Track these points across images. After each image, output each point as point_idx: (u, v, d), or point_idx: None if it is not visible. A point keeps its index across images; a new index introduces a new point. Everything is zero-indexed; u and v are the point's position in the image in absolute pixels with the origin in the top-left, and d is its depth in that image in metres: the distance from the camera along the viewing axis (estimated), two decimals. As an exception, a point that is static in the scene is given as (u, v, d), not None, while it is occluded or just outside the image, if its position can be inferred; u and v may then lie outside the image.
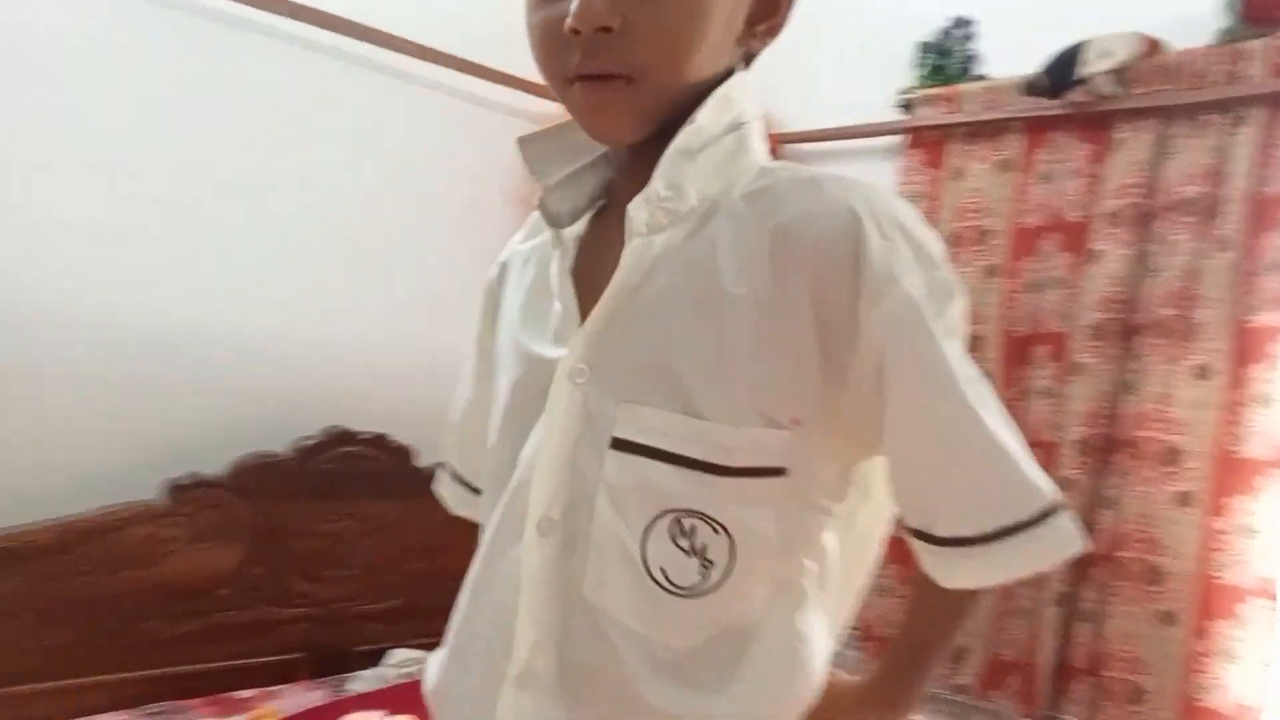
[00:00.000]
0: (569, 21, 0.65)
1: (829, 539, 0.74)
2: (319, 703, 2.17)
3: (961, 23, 2.48)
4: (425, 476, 2.55)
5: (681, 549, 0.68)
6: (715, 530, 0.68)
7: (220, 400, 2.31)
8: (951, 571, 0.71)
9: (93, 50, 2.08)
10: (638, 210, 0.69)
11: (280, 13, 2.26)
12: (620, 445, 0.69)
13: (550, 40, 0.69)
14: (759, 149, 0.75)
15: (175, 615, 2.16)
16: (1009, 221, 2.43)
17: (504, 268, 0.89)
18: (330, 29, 2.33)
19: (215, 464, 2.24)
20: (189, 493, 2.18)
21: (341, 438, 2.43)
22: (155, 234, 2.19)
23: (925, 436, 0.68)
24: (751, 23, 0.74)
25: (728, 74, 0.73)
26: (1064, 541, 0.69)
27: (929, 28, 2.53)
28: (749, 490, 0.68)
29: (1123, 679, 2.19)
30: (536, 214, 0.82)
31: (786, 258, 0.67)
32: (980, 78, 2.47)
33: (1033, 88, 2.27)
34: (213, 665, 2.21)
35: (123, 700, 2.06)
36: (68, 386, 2.09)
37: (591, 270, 0.75)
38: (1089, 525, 2.22)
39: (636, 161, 0.73)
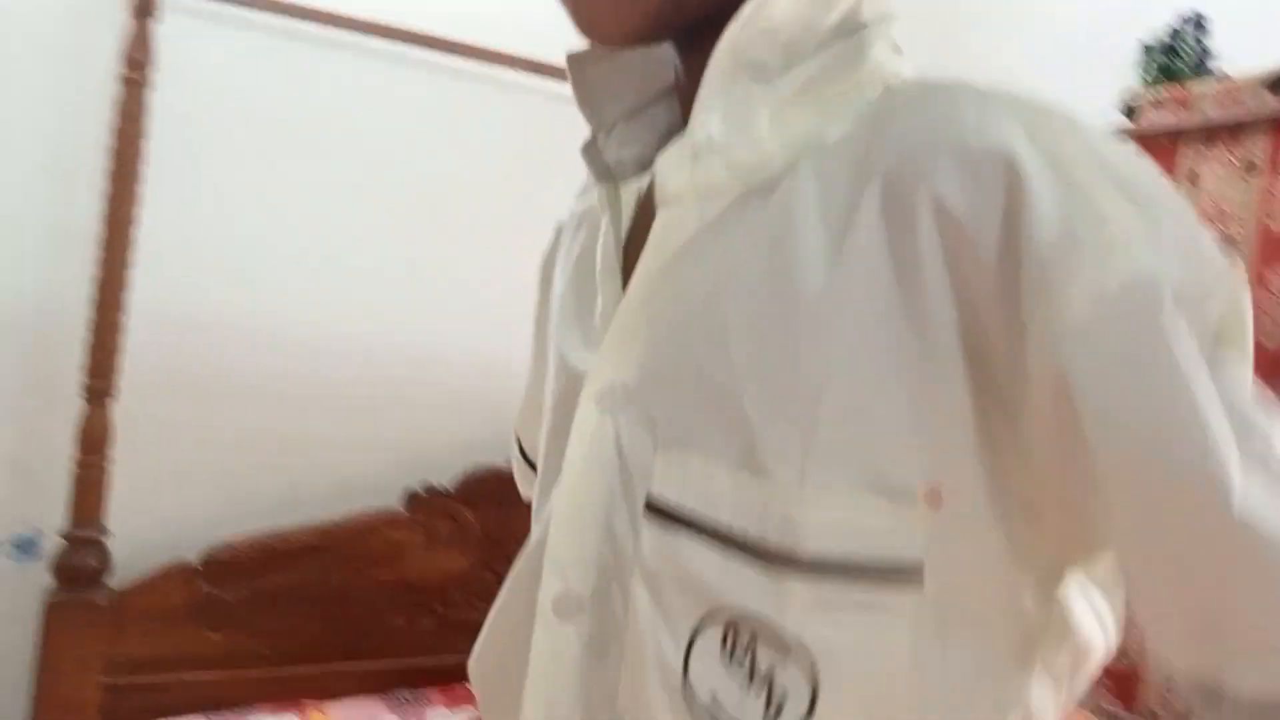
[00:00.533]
0: None
1: (1038, 697, 0.44)
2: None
3: (1194, 19, 2.26)
4: None
5: (736, 670, 0.43)
6: (784, 652, 0.41)
7: (452, 416, 2.55)
8: None
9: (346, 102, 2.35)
10: (672, 167, 0.47)
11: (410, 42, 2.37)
12: (656, 510, 0.47)
13: None
14: (888, 63, 0.48)
15: (414, 612, 2.42)
16: (1256, 227, 2.21)
17: (559, 232, 0.71)
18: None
19: (447, 473, 2.48)
20: (425, 502, 2.43)
21: (559, 452, 2.60)
22: (401, 272, 2.45)
23: (1180, 531, 0.38)
24: None
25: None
26: None
27: (1151, 27, 2.32)
28: (847, 597, 0.41)
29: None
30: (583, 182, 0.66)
31: (902, 220, 0.41)
32: (1215, 76, 2.24)
33: (1278, 84, 2.05)
34: (447, 659, 2.45)
35: (369, 686, 2.34)
36: (323, 402, 2.40)
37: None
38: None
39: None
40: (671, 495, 0.45)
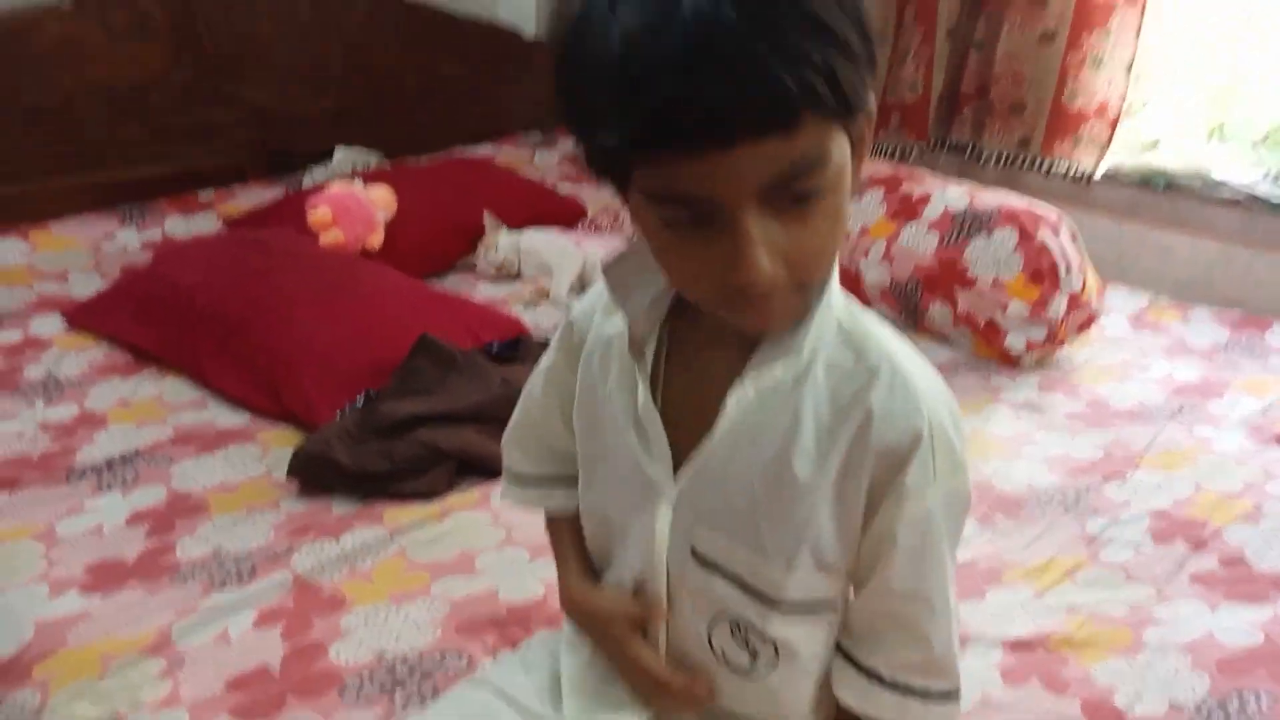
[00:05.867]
0: (737, 283, 0.59)
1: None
2: (279, 198, 2.19)
3: None
4: None
5: (737, 644, 0.77)
6: (764, 640, 0.75)
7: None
8: (852, 692, 0.76)
9: None
10: (736, 396, 0.70)
11: None
12: (695, 556, 0.75)
13: (699, 280, 0.63)
14: (838, 301, 0.70)
15: (116, 120, 2.09)
16: None
17: (583, 335, 0.81)
18: None
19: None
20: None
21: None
22: None
23: (893, 609, 0.73)
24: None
25: None
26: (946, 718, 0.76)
27: None
28: (800, 617, 0.75)
29: (1005, 96, 2.27)
30: (606, 291, 0.76)
31: (859, 448, 0.68)
32: None
33: None
34: (166, 167, 2.18)
35: (89, 203, 2.06)
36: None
37: (675, 388, 0.75)
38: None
39: None
40: (706, 551, 0.74)
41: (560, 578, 0.87)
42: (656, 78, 0.53)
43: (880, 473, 0.69)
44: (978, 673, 1.07)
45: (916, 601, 0.72)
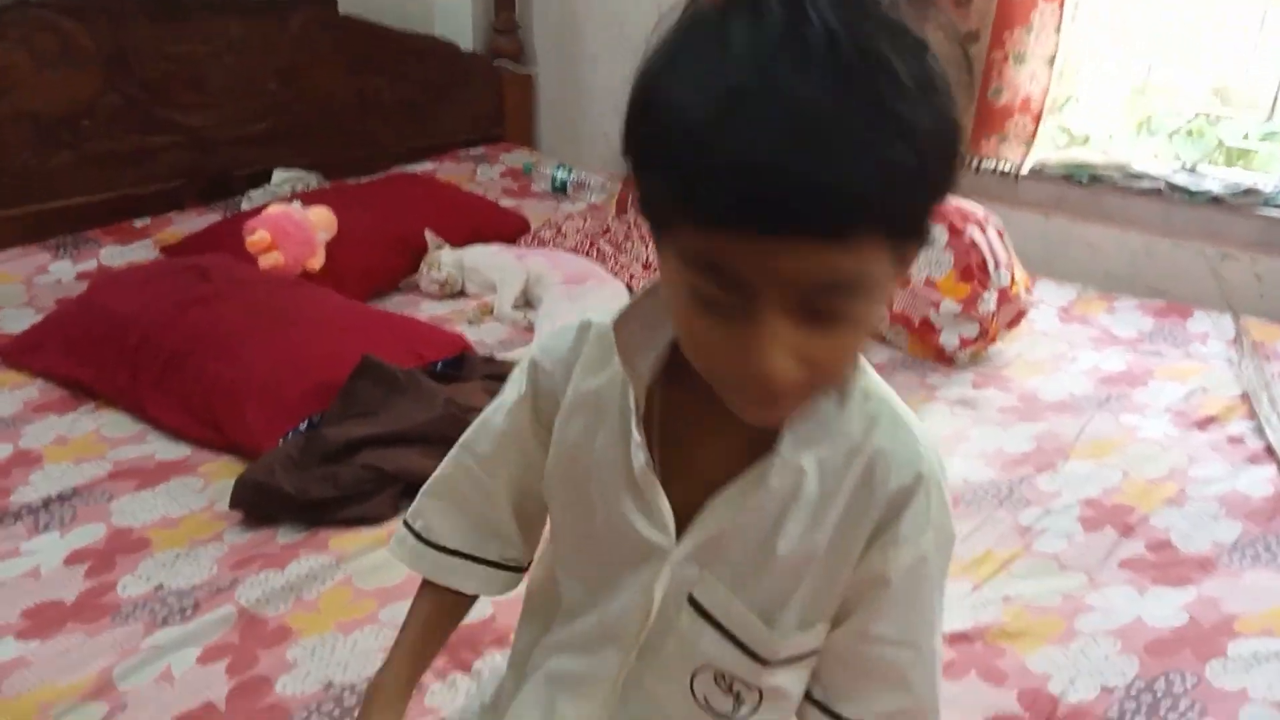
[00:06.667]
0: (754, 372, 0.57)
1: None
2: (217, 223, 2.15)
3: None
4: None
5: (721, 689, 0.74)
6: (750, 688, 0.73)
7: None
8: None
9: None
10: (776, 476, 0.67)
11: None
12: (693, 604, 0.72)
13: (713, 353, 0.60)
14: (853, 406, 0.68)
15: (44, 147, 2.04)
16: None
17: (553, 381, 0.75)
18: None
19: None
20: (17, 14, 1.95)
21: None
22: None
23: (878, 653, 0.70)
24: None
25: None
26: None
27: None
28: (786, 669, 0.73)
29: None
30: (590, 340, 0.74)
31: (863, 494, 0.67)
32: None
33: None
34: (97, 196, 2.14)
35: (21, 236, 2.01)
36: None
37: (668, 450, 0.70)
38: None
39: None
40: (706, 603, 0.72)
41: (388, 663, 0.81)
42: (741, 147, 0.50)
43: (883, 516, 0.67)
44: None
45: (903, 647, 0.70)
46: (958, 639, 1.14)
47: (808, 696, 0.75)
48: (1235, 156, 2.25)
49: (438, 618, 0.83)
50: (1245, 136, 2.24)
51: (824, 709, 0.74)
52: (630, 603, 0.74)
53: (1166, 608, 1.20)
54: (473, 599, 0.85)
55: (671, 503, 0.70)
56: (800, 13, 0.51)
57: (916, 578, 0.68)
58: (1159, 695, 1.06)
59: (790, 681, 0.74)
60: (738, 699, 0.74)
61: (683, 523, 0.70)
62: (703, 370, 0.62)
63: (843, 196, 0.50)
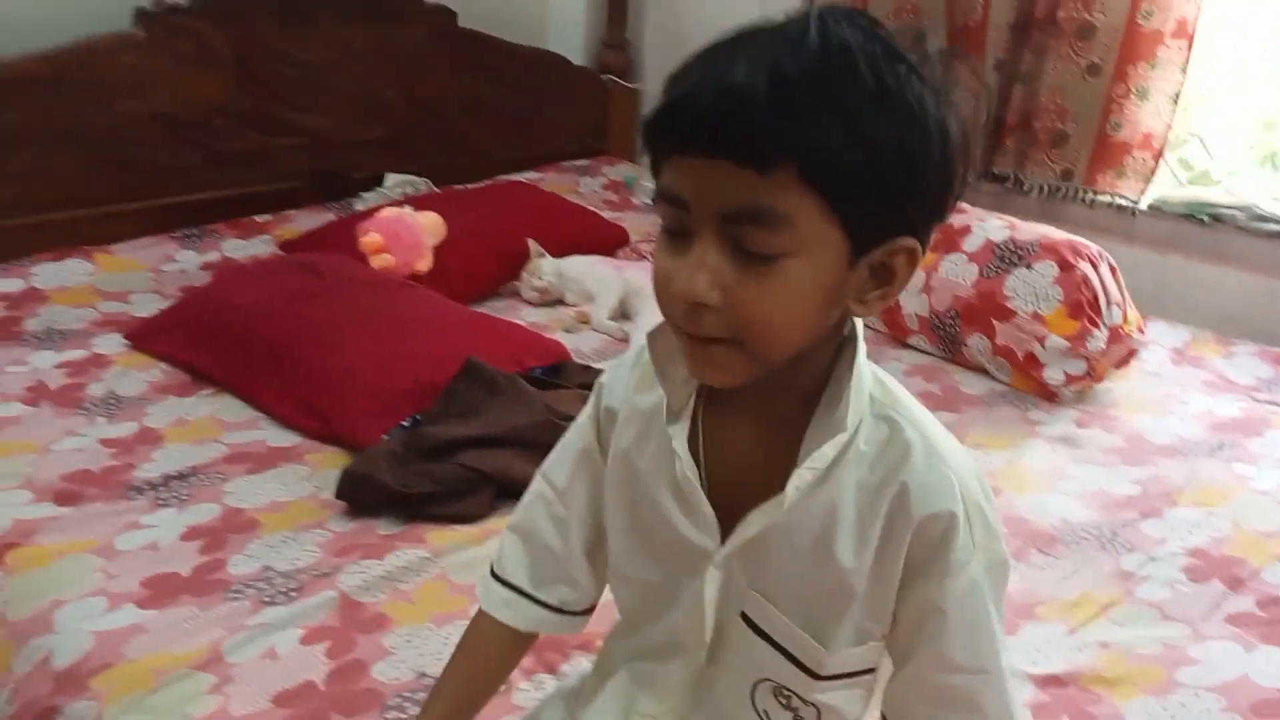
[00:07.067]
0: (678, 291, 0.63)
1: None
2: (331, 222, 2.25)
3: None
4: (413, 2, 2.44)
5: (780, 703, 0.78)
6: (806, 704, 0.76)
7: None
8: None
9: None
10: (796, 479, 0.70)
11: None
12: (745, 620, 0.76)
13: (666, 290, 0.65)
14: (868, 375, 0.71)
15: (177, 146, 2.16)
16: None
17: (613, 405, 0.82)
18: None
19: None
20: (160, 20, 2.07)
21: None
22: None
23: (949, 681, 0.72)
24: (863, 293, 0.67)
25: (839, 324, 0.70)
26: None
27: None
28: (841, 684, 0.76)
29: (1049, 128, 2.26)
30: (641, 363, 0.79)
31: (901, 523, 0.69)
32: None
33: None
34: (223, 193, 2.25)
35: (149, 227, 2.12)
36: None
37: (710, 456, 0.75)
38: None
39: None
40: (756, 619, 0.75)
41: (431, 700, 0.86)
42: (686, 84, 0.61)
43: (918, 545, 0.69)
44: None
45: (971, 674, 0.72)
46: (1050, 682, 1.11)
47: None
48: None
49: (493, 650, 0.87)
50: None
51: None
52: (687, 612, 0.78)
53: (1276, 667, 1.15)
54: (530, 640, 0.89)
55: (718, 513, 0.74)
56: (816, 23, 0.61)
57: (972, 604, 0.71)
58: (1265, 758, 1.01)
59: (845, 701, 0.77)
60: (796, 715, 0.78)
61: (729, 533, 0.74)
62: (663, 316, 0.68)
63: (763, 129, 0.58)
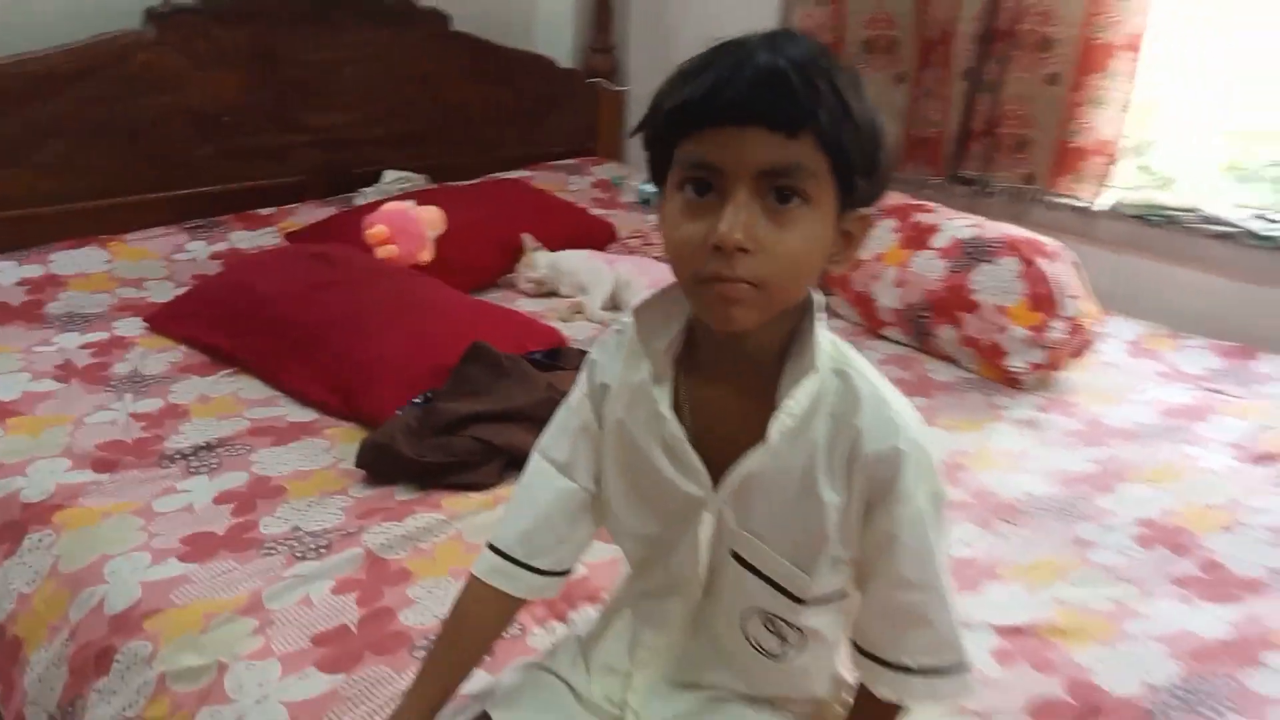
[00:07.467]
0: (714, 238, 0.74)
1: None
2: (333, 215, 2.34)
3: None
4: (384, 6, 2.54)
5: (769, 630, 0.89)
6: (792, 628, 0.88)
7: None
8: (888, 687, 0.87)
9: None
10: (778, 423, 0.81)
11: None
12: (736, 557, 0.87)
13: (692, 249, 0.76)
14: (825, 340, 0.83)
15: (194, 140, 2.25)
16: None
17: (604, 380, 0.92)
18: None
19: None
20: (174, 20, 2.17)
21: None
22: None
23: (903, 599, 0.84)
24: (834, 253, 0.81)
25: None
26: (961, 688, 0.88)
27: None
28: (821, 608, 0.88)
29: (1013, 134, 2.41)
30: (626, 341, 0.89)
31: (856, 461, 0.81)
32: None
33: None
34: (234, 185, 2.35)
35: (163, 217, 2.22)
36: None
37: (693, 415, 0.86)
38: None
39: (725, 335, 0.82)
40: (746, 555, 0.86)
41: (408, 697, 0.93)
42: (714, 73, 0.74)
43: (871, 482, 0.82)
44: (972, 655, 1.19)
45: (922, 589, 0.84)
46: (1011, 632, 1.24)
47: (859, 650, 0.89)
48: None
49: (482, 615, 0.96)
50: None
51: (874, 658, 0.87)
52: (685, 555, 0.89)
53: (1212, 621, 1.28)
54: (516, 607, 0.97)
55: (705, 466, 0.85)
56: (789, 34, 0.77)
57: (918, 529, 0.83)
58: (1197, 694, 1.14)
59: (824, 623, 0.89)
60: (783, 639, 0.89)
61: (718, 483, 0.85)
62: (682, 274, 0.79)
63: (793, 103, 0.72)
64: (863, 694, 0.91)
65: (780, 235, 0.75)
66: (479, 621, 0.96)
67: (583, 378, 0.93)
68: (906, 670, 0.86)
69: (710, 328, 0.82)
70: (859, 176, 0.76)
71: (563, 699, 0.94)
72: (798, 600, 0.86)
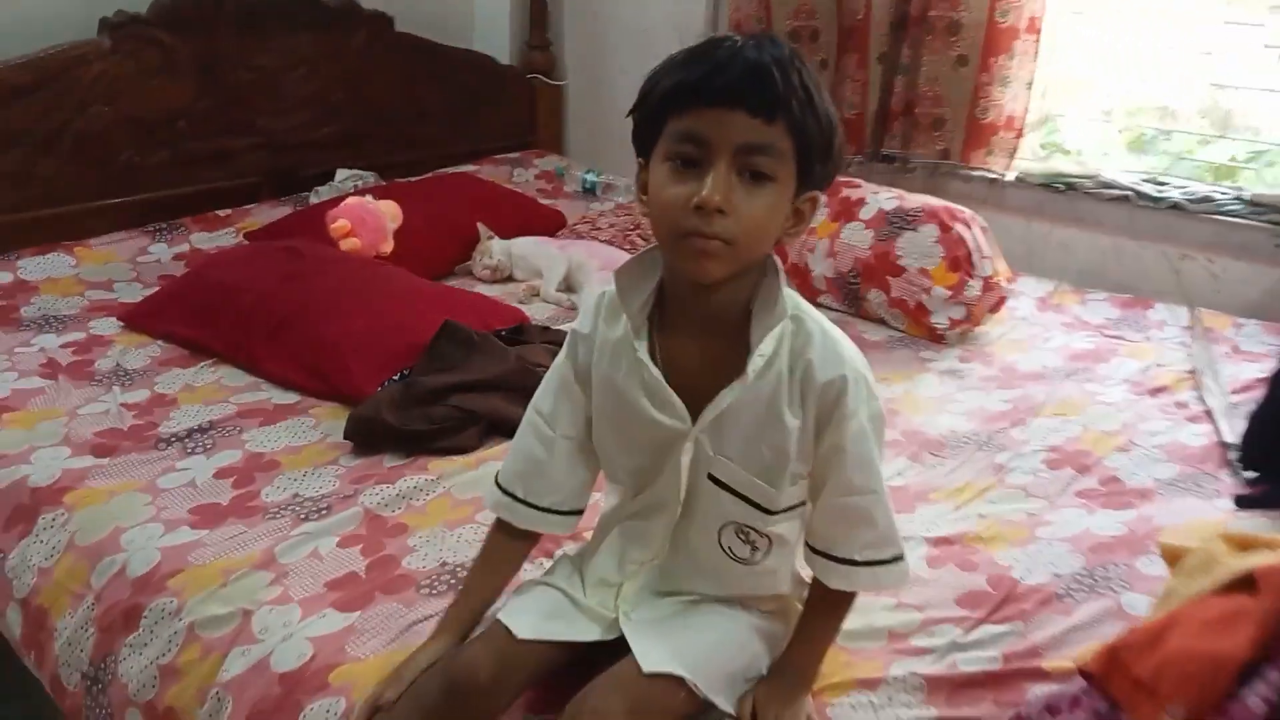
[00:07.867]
0: (696, 200, 0.89)
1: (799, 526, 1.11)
2: (289, 214, 2.44)
3: None
4: (328, 10, 2.64)
5: (741, 539, 1.06)
6: (762, 535, 1.05)
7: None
8: (839, 578, 1.04)
9: None
10: (753, 362, 0.97)
11: None
12: (712, 479, 1.03)
13: (677, 208, 0.91)
14: (784, 294, 0.99)
15: (146, 147, 2.33)
16: None
17: (589, 342, 1.08)
18: None
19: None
20: (124, 30, 2.24)
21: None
22: None
23: (850, 502, 1.01)
24: (786, 227, 0.98)
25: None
26: (901, 577, 1.06)
27: None
28: (785, 517, 1.05)
29: (928, 114, 2.61)
30: (605, 305, 1.06)
31: (809, 388, 0.98)
32: None
33: None
34: (189, 189, 2.42)
35: (123, 222, 2.30)
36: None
37: (667, 362, 1.02)
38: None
39: (695, 290, 0.99)
40: (722, 476, 1.02)
41: (448, 612, 1.11)
42: (709, 62, 0.91)
43: (822, 405, 0.99)
44: (907, 560, 1.37)
45: (866, 493, 1.02)
46: (940, 541, 1.42)
47: (813, 549, 1.05)
48: (1222, 174, 2.53)
49: (504, 549, 1.14)
50: (1232, 158, 2.53)
51: (825, 555, 1.04)
52: (668, 480, 1.05)
53: (1110, 523, 1.48)
54: (533, 540, 1.16)
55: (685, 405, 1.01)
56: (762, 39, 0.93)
57: (863, 443, 1.00)
58: (1097, 578, 1.34)
59: (788, 530, 1.07)
60: (753, 547, 1.06)
61: (695, 418, 1.01)
62: (664, 230, 0.94)
63: (773, 94, 0.89)
64: (816, 587, 1.08)
65: (750, 203, 0.91)
66: (501, 551, 1.14)
67: (568, 342, 1.11)
68: (854, 563, 1.03)
69: (680, 287, 1.00)
70: (817, 162, 0.94)
71: (563, 605, 1.08)
72: (768, 512, 1.03)
